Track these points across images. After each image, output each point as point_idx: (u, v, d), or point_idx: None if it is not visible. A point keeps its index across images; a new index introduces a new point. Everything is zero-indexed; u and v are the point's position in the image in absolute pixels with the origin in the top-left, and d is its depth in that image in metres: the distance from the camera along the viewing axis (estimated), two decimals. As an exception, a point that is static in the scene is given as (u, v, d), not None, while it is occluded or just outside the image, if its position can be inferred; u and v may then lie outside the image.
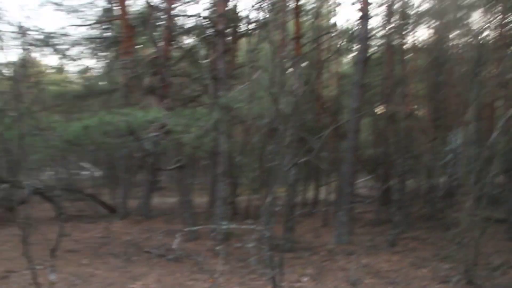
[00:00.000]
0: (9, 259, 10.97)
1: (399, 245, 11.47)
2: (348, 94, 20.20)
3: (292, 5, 13.80)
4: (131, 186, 17.85)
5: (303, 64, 16.07)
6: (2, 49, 18.19)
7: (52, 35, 21.05)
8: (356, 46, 15.44)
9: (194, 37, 20.74)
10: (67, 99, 19.24)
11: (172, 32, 18.95)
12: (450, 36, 18.66)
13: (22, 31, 21.73)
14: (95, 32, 22.12)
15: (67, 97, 19.27)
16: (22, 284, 8.73)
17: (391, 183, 14.17)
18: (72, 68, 24.31)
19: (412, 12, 19.15)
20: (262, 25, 17.35)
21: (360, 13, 12.88)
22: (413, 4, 19.19)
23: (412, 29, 19.56)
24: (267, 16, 17.08)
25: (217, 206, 12.55)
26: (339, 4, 23.74)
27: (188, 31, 19.94)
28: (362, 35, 12.60)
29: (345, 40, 20.67)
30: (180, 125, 8.39)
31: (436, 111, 16.67)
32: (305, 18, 19.55)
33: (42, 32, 20.23)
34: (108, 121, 8.59)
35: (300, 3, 14.30)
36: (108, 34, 20.89)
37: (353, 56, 18.69)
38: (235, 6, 17.94)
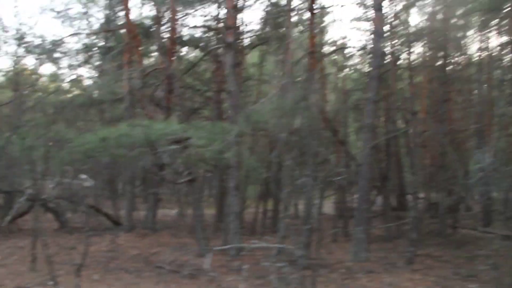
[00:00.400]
0: (18, 273, 10.63)
1: (415, 262, 11.28)
2: (352, 109, 20.22)
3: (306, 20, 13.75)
4: (135, 198, 17.54)
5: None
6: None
7: (51, 43, 20.82)
8: (368, 62, 15.41)
9: (199, 49, 20.61)
10: (68, 109, 18.90)
11: (176, 43, 18.82)
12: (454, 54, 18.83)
13: (20, 37, 21.46)
14: (93, 42, 22.00)
15: (69, 106, 18.91)
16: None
17: (407, 199, 14.07)
18: (67, 77, 23.88)
19: (415, 30, 19.28)
20: (270, 38, 17.26)
21: (373, 30, 12.88)
22: (416, 23, 19.36)
23: (415, 46, 19.69)
24: (276, 29, 17.04)
25: (230, 221, 12.31)
26: (341, 20, 23.90)
27: (193, 43, 19.78)
28: (376, 51, 12.51)
29: (351, 55, 20.66)
30: (202, 139, 8.18)
31: (443, 128, 16.65)
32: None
33: (42, 40, 19.99)
34: (127, 133, 8.33)
35: (315, 18, 14.16)
36: (109, 43, 20.73)
37: (367, 72, 18.58)
38: (242, 19, 17.88)
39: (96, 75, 22.80)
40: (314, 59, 12.47)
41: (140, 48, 17.27)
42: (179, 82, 17.78)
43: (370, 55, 15.43)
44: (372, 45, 12.97)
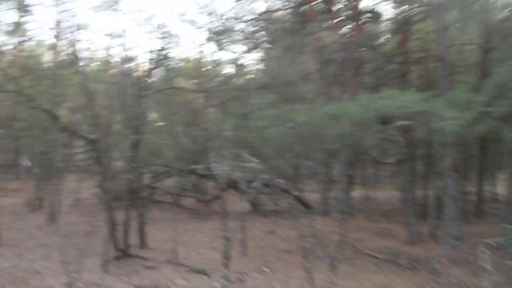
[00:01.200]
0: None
1: None
2: None
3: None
4: (329, 180, 16.79)
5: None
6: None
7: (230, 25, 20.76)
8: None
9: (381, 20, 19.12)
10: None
11: (362, 14, 17.59)
12: None
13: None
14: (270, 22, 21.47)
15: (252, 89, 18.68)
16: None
17: None
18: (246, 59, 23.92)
19: None
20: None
21: None
22: None
23: None
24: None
25: (445, 205, 10.99)
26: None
27: (377, 13, 18.38)
28: None
29: None
30: (449, 111, 6.96)
31: None
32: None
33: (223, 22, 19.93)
34: (363, 108, 7.35)
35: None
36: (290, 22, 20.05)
37: None
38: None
39: (277, 55, 22.36)
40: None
41: (332, 22, 16.41)
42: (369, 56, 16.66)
43: None
44: None
